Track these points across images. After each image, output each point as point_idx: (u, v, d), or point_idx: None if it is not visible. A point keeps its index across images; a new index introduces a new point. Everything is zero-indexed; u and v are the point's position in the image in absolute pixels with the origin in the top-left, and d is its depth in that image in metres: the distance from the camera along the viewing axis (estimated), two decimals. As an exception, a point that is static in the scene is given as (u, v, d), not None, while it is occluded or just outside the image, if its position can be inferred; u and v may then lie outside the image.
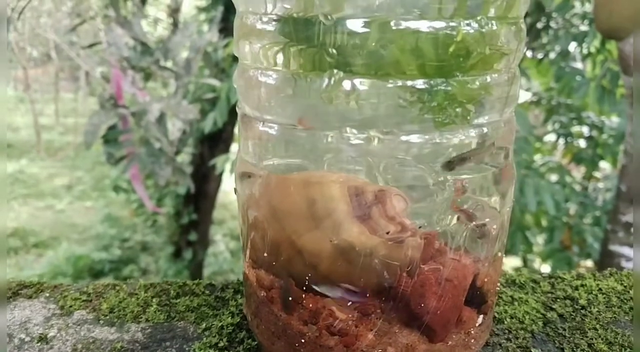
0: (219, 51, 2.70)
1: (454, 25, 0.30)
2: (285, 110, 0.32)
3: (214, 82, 2.59)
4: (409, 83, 0.30)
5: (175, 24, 3.68)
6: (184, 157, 3.31)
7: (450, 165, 0.32)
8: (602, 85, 1.84)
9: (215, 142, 3.33)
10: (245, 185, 0.36)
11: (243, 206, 0.37)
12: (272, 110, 0.32)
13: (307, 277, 0.33)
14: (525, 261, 2.57)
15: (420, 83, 0.30)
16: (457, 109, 0.30)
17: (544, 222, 2.30)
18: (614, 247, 1.81)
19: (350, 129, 0.30)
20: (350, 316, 0.33)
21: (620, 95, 1.84)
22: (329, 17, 0.29)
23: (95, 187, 4.77)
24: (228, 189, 4.48)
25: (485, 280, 0.35)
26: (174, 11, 3.84)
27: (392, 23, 0.29)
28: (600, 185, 2.66)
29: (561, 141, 2.47)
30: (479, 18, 0.30)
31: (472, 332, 0.36)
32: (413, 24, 0.29)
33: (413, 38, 0.29)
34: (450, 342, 0.35)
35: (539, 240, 2.48)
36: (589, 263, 2.37)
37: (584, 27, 2.07)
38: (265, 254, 0.35)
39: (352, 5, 0.29)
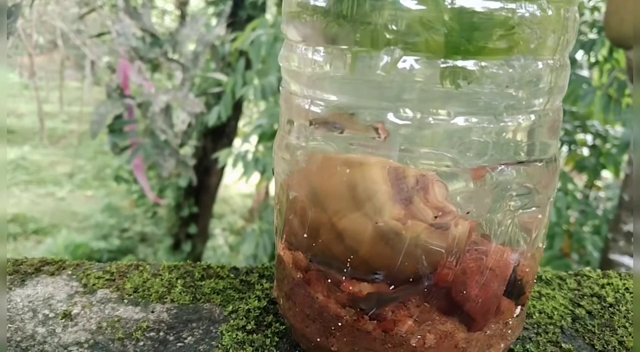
0: (226, 45, 2.70)
1: (511, 7, 0.29)
2: (340, 88, 0.31)
3: (220, 76, 2.59)
4: (462, 64, 0.29)
5: (183, 17, 3.68)
6: (187, 150, 3.32)
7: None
8: (608, 94, 1.84)
9: (219, 135, 3.33)
10: (285, 165, 0.36)
11: (282, 186, 0.36)
12: (324, 88, 0.32)
13: (347, 261, 0.33)
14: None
15: (474, 64, 0.29)
16: (512, 93, 0.30)
17: (544, 229, 2.30)
18: (614, 256, 1.81)
19: (403, 109, 0.30)
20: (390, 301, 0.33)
21: (626, 105, 1.84)
22: (389, -7, 0.28)
23: (96, 177, 4.77)
24: (229, 183, 4.48)
25: (526, 271, 0.35)
26: (182, 3, 3.84)
27: (447, 1, 0.29)
28: (602, 194, 2.66)
29: (565, 148, 2.46)
30: (539, 2, 0.29)
31: (510, 322, 0.35)
32: (467, 3, 0.29)
33: (467, 17, 0.29)
34: (488, 332, 0.34)
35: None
36: (588, 271, 2.37)
37: (592, 35, 2.07)
38: (305, 236, 0.34)
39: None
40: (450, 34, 0.29)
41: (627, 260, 1.70)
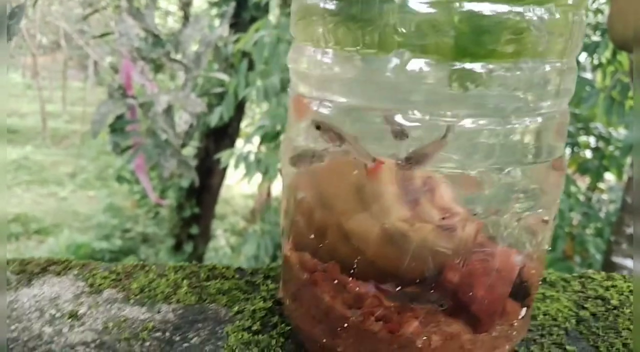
0: (229, 46, 2.70)
1: (519, 10, 0.29)
2: (348, 90, 0.32)
3: (223, 76, 2.59)
4: (470, 67, 0.30)
5: (186, 17, 3.69)
6: (189, 151, 3.32)
7: (409, 161, 0.32)
8: (611, 96, 1.84)
9: (221, 136, 3.33)
10: (293, 167, 0.36)
11: (289, 187, 0.37)
12: (333, 90, 0.32)
13: (353, 262, 0.33)
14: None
15: (482, 67, 0.30)
16: (520, 96, 0.30)
17: (547, 231, 2.29)
18: (617, 259, 1.81)
19: (412, 111, 0.30)
20: (396, 302, 0.33)
21: (629, 107, 1.83)
22: (398, -4, 0.28)
23: (98, 177, 4.77)
24: (231, 183, 4.48)
25: (532, 272, 0.35)
26: (186, 4, 3.84)
27: (456, 4, 0.29)
28: (604, 196, 2.66)
29: (567, 150, 2.46)
30: (547, 5, 0.29)
31: (515, 324, 0.35)
32: (476, 7, 0.29)
33: (476, 21, 0.29)
34: (493, 333, 0.34)
35: (541, 249, 2.48)
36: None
37: (595, 38, 2.07)
38: (312, 237, 0.34)
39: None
40: (459, 37, 0.29)
41: (629, 263, 1.70)
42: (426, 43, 0.29)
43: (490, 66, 0.30)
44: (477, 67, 0.29)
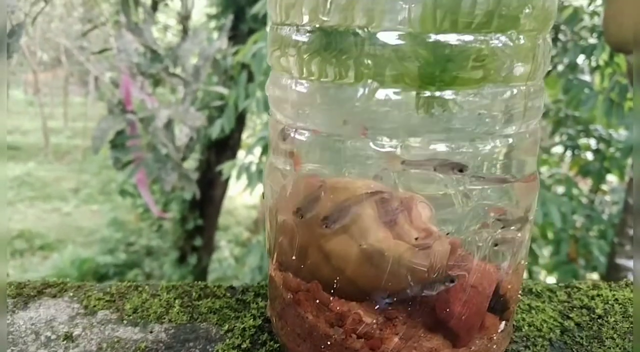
0: (227, 59, 2.71)
1: (483, 38, 0.30)
2: (320, 119, 0.33)
3: (222, 89, 2.60)
4: (437, 94, 0.31)
5: (185, 31, 3.70)
6: (191, 163, 3.32)
7: (326, 220, 0.34)
8: (610, 98, 1.84)
9: (222, 148, 3.34)
10: (274, 189, 0.37)
11: (271, 210, 0.38)
12: (306, 119, 0.33)
13: (334, 281, 0.34)
14: (530, 273, 2.57)
15: (449, 94, 0.31)
16: (486, 119, 0.31)
17: (550, 235, 2.30)
18: (621, 261, 1.81)
19: (382, 137, 0.31)
20: (376, 320, 0.34)
21: (628, 109, 1.84)
22: (365, 29, 0.30)
23: (101, 191, 4.79)
24: (234, 195, 4.50)
25: (509, 287, 0.36)
26: (184, 18, 3.86)
27: (423, 36, 0.30)
28: (607, 198, 2.66)
29: (568, 153, 2.46)
30: (509, 32, 0.31)
31: (494, 338, 0.36)
32: (443, 37, 0.30)
33: (441, 50, 0.30)
34: (473, 348, 0.35)
35: (545, 252, 2.48)
36: (595, 276, 2.37)
37: (592, 40, 2.07)
38: (293, 258, 0.36)
39: (386, 19, 0.30)
40: (425, 66, 0.30)
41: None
42: (393, 73, 0.30)
43: (456, 92, 0.31)
44: (443, 94, 0.31)
